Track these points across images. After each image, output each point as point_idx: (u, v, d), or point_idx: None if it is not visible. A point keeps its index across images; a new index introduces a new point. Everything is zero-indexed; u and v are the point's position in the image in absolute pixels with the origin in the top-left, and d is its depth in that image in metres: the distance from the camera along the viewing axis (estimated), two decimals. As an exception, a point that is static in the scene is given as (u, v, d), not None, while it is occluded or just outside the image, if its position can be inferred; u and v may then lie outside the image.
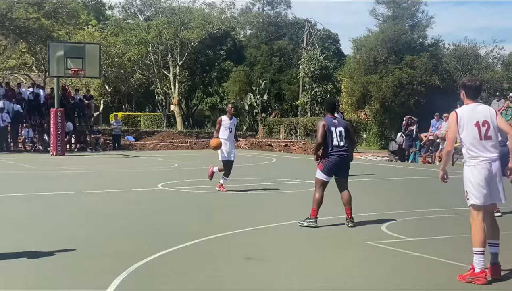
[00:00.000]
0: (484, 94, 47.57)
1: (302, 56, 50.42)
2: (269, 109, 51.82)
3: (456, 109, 7.01)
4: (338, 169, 10.37)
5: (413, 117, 29.39)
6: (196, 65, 55.76)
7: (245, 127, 51.71)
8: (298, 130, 43.10)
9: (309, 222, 10.23)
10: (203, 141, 39.99)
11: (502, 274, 6.97)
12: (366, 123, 47.53)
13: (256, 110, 50.64)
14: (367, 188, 16.77)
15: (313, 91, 46.81)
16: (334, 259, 8.12)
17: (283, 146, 37.41)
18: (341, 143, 10.31)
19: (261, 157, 30.45)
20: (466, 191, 6.94)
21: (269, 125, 47.78)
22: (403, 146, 29.38)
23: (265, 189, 16.02)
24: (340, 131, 10.35)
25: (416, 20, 50.02)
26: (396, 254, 8.30)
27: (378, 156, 31.59)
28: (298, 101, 49.96)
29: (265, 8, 66.49)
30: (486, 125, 6.86)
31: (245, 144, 39.13)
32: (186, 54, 51.83)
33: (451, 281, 6.86)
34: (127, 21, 59.28)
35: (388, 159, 29.95)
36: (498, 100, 25.42)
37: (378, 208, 12.55)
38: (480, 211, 6.86)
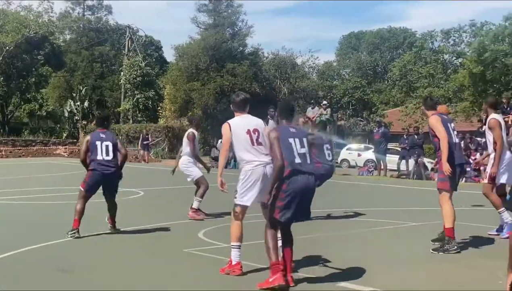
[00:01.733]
0: (301, 101, 49.78)
1: (123, 63, 49.93)
2: (90, 116, 50.77)
3: (228, 121, 7.72)
4: (104, 185, 10.44)
5: None
6: (12, 70, 53.44)
7: (65, 134, 50.34)
8: (120, 137, 42.59)
9: (71, 233, 9.93)
10: (19, 149, 38.38)
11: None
12: (189, 130, 47.90)
13: (76, 117, 49.47)
14: (185, 195, 16.81)
15: (135, 98, 46.57)
16: (152, 268, 8.09)
17: (105, 153, 36.76)
18: (107, 158, 10.35)
19: (80, 165, 29.63)
20: (236, 191, 7.55)
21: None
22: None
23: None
24: (107, 146, 10.39)
25: (236, 29, 51.38)
26: (212, 260, 8.42)
27: (200, 163, 31.89)
28: (120, 108, 49.41)
29: (85, 13, 65.07)
30: (257, 133, 7.58)
31: (65, 152, 38.05)
32: (1, 58, 49.52)
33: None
34: None
35: (210, 165, 30.35)
36: (312, 108, 26.63)
37: (197, 215, 12.69)
38: (243, 210, 7.54)
